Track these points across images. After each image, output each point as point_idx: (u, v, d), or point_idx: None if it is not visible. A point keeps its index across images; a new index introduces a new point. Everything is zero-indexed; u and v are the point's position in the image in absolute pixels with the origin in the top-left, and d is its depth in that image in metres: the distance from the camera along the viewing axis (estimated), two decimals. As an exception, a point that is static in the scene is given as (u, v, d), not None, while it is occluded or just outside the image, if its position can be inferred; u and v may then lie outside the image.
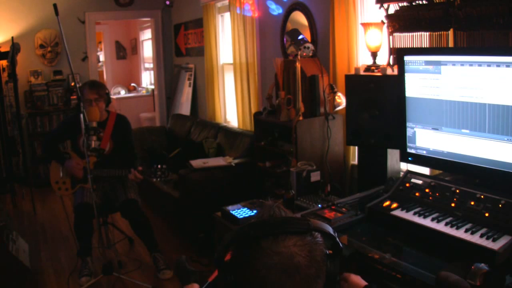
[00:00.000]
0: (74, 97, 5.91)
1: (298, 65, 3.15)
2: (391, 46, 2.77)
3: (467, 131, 1.97)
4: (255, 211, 2.75)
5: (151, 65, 7.44)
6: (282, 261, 0.85)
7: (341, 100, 3.08)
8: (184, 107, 6.14)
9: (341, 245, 0.94)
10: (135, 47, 9.23)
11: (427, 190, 2.02)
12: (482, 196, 1.83)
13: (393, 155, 2.69)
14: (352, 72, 3.07)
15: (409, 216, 1.89)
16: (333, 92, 3.12)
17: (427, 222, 1.82)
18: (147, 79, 9.06)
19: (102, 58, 9.01)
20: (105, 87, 3.34)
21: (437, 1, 2.48)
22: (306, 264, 0.86)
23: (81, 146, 3.26)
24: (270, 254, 0.85)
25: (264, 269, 0.85)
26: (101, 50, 8.93)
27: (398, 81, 2.24)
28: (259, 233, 0.87)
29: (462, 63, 1.95)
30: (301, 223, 0.89)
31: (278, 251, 0.85)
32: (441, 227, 1.77)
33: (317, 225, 0.90)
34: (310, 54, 3.19)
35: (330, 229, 0.92)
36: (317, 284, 0.89)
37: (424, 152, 2.20)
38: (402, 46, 2.69)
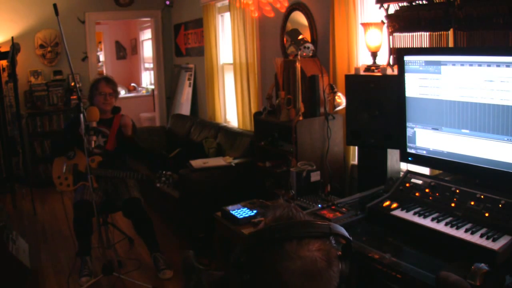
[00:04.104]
0: (74, 97, 5.91)
1: (298, 65, 3.15)
2: (391, 46, 2.77)
3: (467, 131, 1.97)
4: (255, 211, 2.75)
5: (151, 65, 7.44)
6: (305, 266, 0.84)
7: (341, 100, 3.08)
8: (184, 107, 6.14)
9: (352, 247, 0.95)
10: (135, 47, 9.22)
11: (427, 190, 2.02)
12: (482, 196, 1.82)
13: (393, 155, 2.69)
14: (352, 72, 3.07)
15: (409, 216, 1.89)
16: (333, 92, 3.12)
17: (427, 222, 1.82)
18: (147, 79, 9.06)
19: (102, 58, 9.00)
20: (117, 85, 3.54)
21: (437, 1, 2.48)
22: (325, 268, 0.86)
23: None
24: (294, 258, 0.85)
25: (287, 274, 0.85)
26: (101, 50, 8.92)
27: (398, 81, 2.24)
28: (284, 236, 0.86)
29: (462, 63, 1.95)
30: (323, 227, 0.89)
31: (301, 255, 0.85)
32: (441, 227, 1.77)
33: (336, 229, 0.90)
34: (310, 54, 3.19)
35: (347, 233, 0.93)
36: (332, 286, 0.89)
37: (424, 152, 2.20)
38: (402, 46, 2.69)
